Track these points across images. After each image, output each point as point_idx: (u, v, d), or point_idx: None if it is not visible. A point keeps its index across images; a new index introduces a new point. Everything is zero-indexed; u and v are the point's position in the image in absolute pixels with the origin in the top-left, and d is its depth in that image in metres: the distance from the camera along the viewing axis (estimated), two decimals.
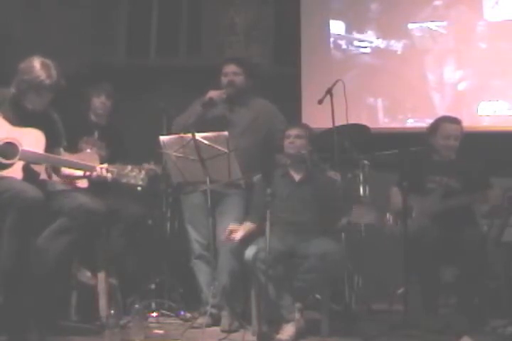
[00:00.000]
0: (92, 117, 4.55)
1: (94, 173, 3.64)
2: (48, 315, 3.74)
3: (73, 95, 4.36)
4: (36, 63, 3.57)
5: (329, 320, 3.91)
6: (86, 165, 3.67)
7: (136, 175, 3.65)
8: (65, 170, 3.74)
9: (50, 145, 3.65)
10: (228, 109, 4.36)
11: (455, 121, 4.41)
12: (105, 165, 3.68)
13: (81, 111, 4.55)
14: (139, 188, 3.67)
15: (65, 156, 3.73)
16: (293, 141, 4.11)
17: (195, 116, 4.28)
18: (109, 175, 3.64)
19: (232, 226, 4.02)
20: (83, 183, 3.92)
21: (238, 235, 3.96)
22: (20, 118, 3.60)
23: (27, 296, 3.42)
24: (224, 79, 4.35)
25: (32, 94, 3.57)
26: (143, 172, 3.66)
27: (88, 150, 4.12)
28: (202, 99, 4.29)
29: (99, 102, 4.50)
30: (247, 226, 4.03)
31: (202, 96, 4.32)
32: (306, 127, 4.25)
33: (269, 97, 4.53)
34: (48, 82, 3.54)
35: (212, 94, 4.27)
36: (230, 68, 4.35)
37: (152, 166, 3.81)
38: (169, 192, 4.82)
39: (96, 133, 4.47)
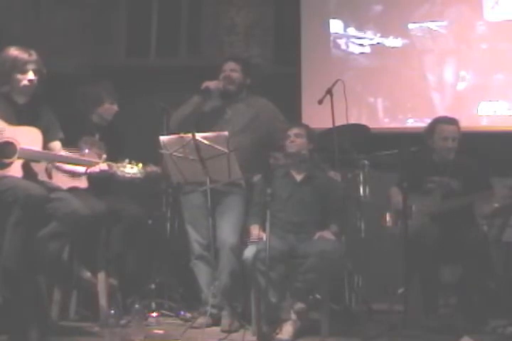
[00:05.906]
0: (95, 118, 4.49)
1: (92, 168, 3.64)
2: (48, 315, 3.75)
3: (74, 94, 4.36)
4: (12, 49, 3.61)
5: (329, 320, 3.91)
6: (85, 161, 3.68)
7: (133, 167, 3.66)
8: (66, 167, 3.74)
9: (47, 139, 3.65)
10: (227, 106, 4.36)
11: (452, 122, 4.37)
12: (104, 156, 3.71)
13: (83, 110, 4.50)
14: (139, 175, 3.67)
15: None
16: (293, 140, 4.12)
17: (192, 106, 4.30)
18: (106, 166, 3.65)
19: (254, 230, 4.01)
20: (83, 183, 3.92)
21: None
22: (14, 116, 3.61)
23: (27, 296, 3.42)
24: (221, 75, 4.37)
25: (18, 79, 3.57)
26: (140, 164, 3.68)
27: (87, 151, 4.11)
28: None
29: (112, 109, 4.41)
30: (255, 228, 4.03)
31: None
32: (305, 126, 4.26)
33: (269, 97, 4.53)
34: (30, 59, 3.56)
35: (208, 83, 4.29)
36: (228, 65, 4.39)
37: (154, 168, 3.82)
38: (169, 192, 4.82)
39: (97, 134, 4.45)
